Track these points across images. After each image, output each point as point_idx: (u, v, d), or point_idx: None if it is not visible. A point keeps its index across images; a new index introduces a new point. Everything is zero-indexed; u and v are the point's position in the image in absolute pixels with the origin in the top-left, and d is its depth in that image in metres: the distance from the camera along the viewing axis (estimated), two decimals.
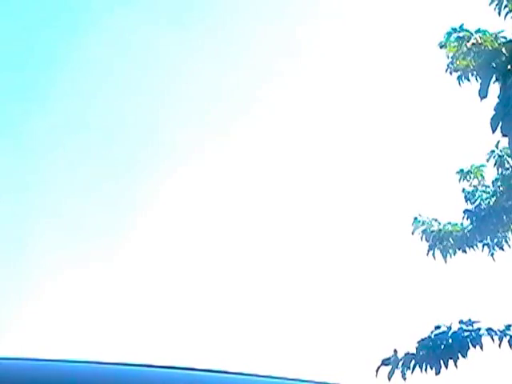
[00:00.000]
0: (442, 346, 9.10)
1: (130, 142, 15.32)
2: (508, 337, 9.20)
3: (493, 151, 10.69)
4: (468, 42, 9.51)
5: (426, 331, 9.40)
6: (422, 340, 9.29)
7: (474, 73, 9.57)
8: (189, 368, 2.12)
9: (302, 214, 14.30)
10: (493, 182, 10.98)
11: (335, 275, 13.25)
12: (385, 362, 9.25)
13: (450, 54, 9.75)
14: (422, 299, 11.46)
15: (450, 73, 9.83)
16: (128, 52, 14.57)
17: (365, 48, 14.16)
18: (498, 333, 9.21)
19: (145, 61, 14.68)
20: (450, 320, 9.38)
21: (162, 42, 14.08)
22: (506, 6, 9.33)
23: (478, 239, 10.84)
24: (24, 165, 14.58)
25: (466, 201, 11.03)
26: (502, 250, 10.87)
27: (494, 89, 8.33)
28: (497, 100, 8.23)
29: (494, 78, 8.22)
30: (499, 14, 9.37)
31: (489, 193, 10.96)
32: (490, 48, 9.19)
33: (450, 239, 10.80)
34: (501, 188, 10.87)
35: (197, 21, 14.32)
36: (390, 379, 9.19)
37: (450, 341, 9.12)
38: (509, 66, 8.12)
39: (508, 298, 10.06)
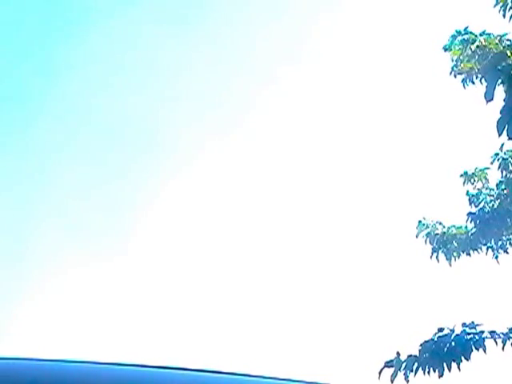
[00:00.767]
0: (445, 349, 9.09)
1: (132, 143, 15.34)
2: (511, 340, 9.19)
3: (497, 154, 10.68)
4: (472, 44, 9.50)
5: (429, 334, 9.39)
6: (425, 342, 9.28)
7: (479, 76, 9.57)
8: (189, 369, 2.12)
9: (306, 216, 14.29)
10: (497, 184, 10.96)
11: (339, 277, 13.25)
12: (388, 364, 9.24)
13: (455, 57, 9.75)
14: (425, 302, 11.46)
15: (455, 76, 9.83)
16: (130, 54, 14.59)
17: (369, 51, 14.15)
18: (501, 336, 9.20)
19: (147, 62, 14.70)
20: (454, 323, 9.38)
21: (163, 44, 14.09)
22: (510, 9, 9.31)
23: (482, 242, 10.82)
24: (26, 165, 14.61)
25: (470, 204, 11.01)
26: (506, 252, 10.86)
27: (499, 91, 8.34)
28: (502, 103, 8.24)
29: (499, 81, 8.23)
30: (504, 16, 9.36)
31: (493, 196, 10.94)
32: (495, 51, 9.19)
33: (454, 242, 10.79)
34: (505, 191, 10.86)
35: (199, 23, 14.33)
36: (392, 381, 9.18)
37: (453, 343, 9.11)
38: None
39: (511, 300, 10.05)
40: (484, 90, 8.42)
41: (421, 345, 9.31)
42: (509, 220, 10.76)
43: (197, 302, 12.91)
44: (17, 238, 14.13)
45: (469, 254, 10.83)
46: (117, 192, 15.08)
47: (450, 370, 9.03)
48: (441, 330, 9.34)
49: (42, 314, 12.79)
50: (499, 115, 8.15)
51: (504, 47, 9.14)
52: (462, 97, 9.91)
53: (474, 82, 9.70)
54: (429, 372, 9.10)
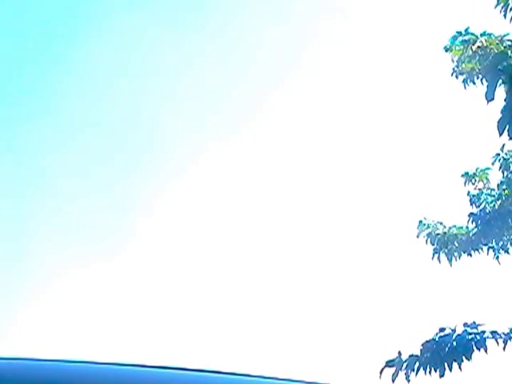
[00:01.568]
0: (447, 349, 9.09)
1: (133, 145, 15.35)
2: None
3: (498, 154, 10.68)
4: (473, 45, 9.49)
5: (430, 333, 9.39)
6: (427, 342, 9.27)
7: (480, 76, 9.56)
8: (189, 369, 2.12)
9: (307, 217, 14.30)
10: (498, 185, 10.96)
11: (340, 277, 13.25)
12: (389, 364, 9.23)
13: (456, 58, 9.74)
14: (426, 302, 11.46)
15: (456, 76, 9.82)
16: (133, 56, 14.61)
17: (370, 52, 14.16)
18: (503, 336, 9.19)
19: (150, 64, 14.71)
20: (455, 323, 9.37)
21: (166, 46, 14.11)
22: (511, 9, 9.31)
23: (483, 242, 10.82)
24: (27, 166, 14.62)
25: (471, 204, 11.01)
26: (507, 253, 10.86)
27: (500, 92, 8.34)
28: (502, 103, 8.24)
29: (500, 81, 8.24)
30: (505, 16, 9.36)
31: (494, 196, 10.94)
32: (496, 51, 9.19)
33: (455, 242, 10.79)
34: (506, 191, 10.86)
35: (202, 26, 14.34)
36: (393, 381, 9.18)
37: (455, 343, 9.11)
38: None
39: None
40: (485, 90, 8.42)
41: (422, 344, 9.30)
42: (510, 220, 10.76)
43: (197, 302, 12.93)
44: (17, 238, 14.15)
45: (470, 255, 10.82)
46: (118, 193, 15.10)
47: (451, 370, 9.02)
48: (442, 329, 9.33)
49: (42, 314, 12.81)
50: (500, 115, 8.16)
51: (505, 47, 9.14)
52: (462, 97, 9.92)
53: (474, 83, 9.69)
54: (430, 372, 9.09)
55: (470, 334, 9.16)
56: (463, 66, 9.69)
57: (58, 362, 2.03)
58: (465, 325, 9.30)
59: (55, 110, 14.49)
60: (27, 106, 14.50)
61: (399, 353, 9.28)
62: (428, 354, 9.17)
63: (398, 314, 11.67)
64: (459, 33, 9.72)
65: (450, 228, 10.87)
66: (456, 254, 10.79)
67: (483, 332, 9.18)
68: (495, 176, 10.97)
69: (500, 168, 10.77)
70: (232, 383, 2.14)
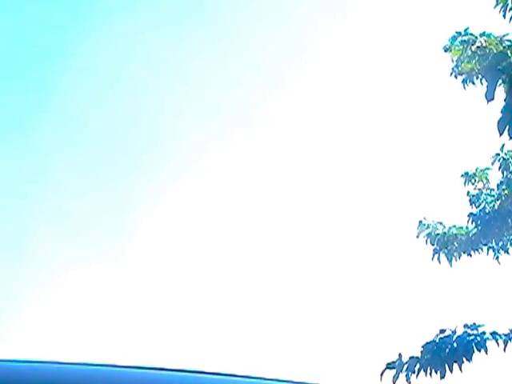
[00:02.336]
0: (447, 350, 9.08)
1: (134, 145, 15.35)
2: None
3: (498, 154, 10.68)
4: (473, 45, 9.49)
5: (430, 335, 9.38)
6: (427, 344, 9.26)
7: (479, 76, 9.56)
8: (188, 370, 2.11)
9: (307, 217, 14.29)
10: (498, 185, 10.96)
11: (340, 278, 13.25)
12: (389, 366, 9.22)
13: (455, 58, 9.74)
14: (426, 303, 11.45)
15: (455, 76, 9.82)
16: (132, 56, 14.60)
17: (370, 52, 14.16)
18: (503, 337, 9.18)
19: (151, 64, 14.70)
20: (455, 324, 9.36)
21: (167, 46, 14.11)
22: (510, 9, 9.31)
23: (483, 242, 10.82)
24: (28, 166, 14.61)
25: (471, 204, 11.01)
26: (507, 253, 10.86)
27: (500, 92, 8.34)
28: (502, 103, 8.23)
29: (499, 81, 8.23)
30: (504, 17, 9.35)
31: (494, 196, 10.94)
32: (495, 51, 9.18)
33: (455, 243, 10.79)
34: (505, 191, 10.85)
35: (202, 25, 14.34)
36: (394, 383, 9.17)
37: (455, 345, 9.09)
38: None
39: None
40: (484, 90, 8.42)
41: (422, 346, 9.29)
42: (510, 220, 10.76)
43: (196, 303, 12.92)
44: (18, 238, 14.15)
45: (470, 255, 10.82)
46: (118, 193, 15.10)
47: (451, 372, 9.01)
48: (442, 331, 9.32)
49: (42, 315, 12.79)
50: (500, 115, 8.15)
51: (504, 47, 9.13)
52: (462, 97, 9.91)
53: (474, 83, 9.69)
54: (430, 373, 9.08)
55: (471, 335, 9.14)
56: (463, 66, 9.68)
57: (57, 364, 2.02)
58: (465, 326, 9.28)
59: (55, 110, 14.49)
60: (27, 106, 14.51)
61: (400, 355, 9.27)
62: (428, 356, 9.15)
63: (398, 315, 11.67)
64: (459, 33, 9.72)
65: (449, 228, 10.87)
66: (456, 254, 10.79)
67: (483, 333, 9.17)
68: (495, 176, 10.98)
69: (500, 168, 10.76)
70: None
